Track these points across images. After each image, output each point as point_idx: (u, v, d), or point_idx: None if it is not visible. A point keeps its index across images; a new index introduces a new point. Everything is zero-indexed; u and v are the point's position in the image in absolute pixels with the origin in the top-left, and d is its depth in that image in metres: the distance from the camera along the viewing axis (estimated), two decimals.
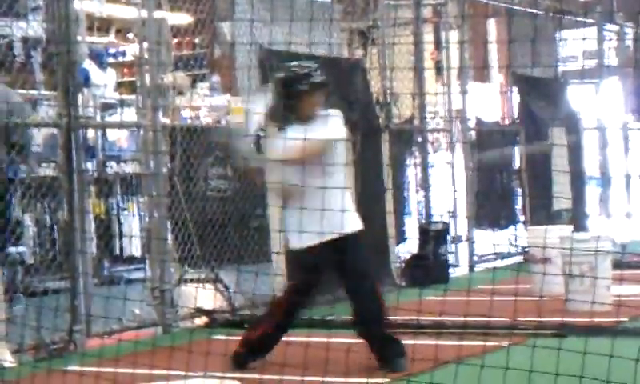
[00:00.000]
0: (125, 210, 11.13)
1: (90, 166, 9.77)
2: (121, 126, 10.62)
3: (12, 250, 8.59)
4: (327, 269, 6.36)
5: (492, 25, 18.27)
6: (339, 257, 6.22)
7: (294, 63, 6.64)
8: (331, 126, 6.28)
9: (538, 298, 7.17)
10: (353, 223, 6.30)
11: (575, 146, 13.63)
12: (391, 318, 6.56)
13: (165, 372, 5.86)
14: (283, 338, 6.42)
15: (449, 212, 11.69)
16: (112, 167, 11.09)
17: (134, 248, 10.99)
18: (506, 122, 13.80)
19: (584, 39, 15.03)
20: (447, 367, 5.71)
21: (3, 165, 8.37)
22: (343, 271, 6.29)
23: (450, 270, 10.94)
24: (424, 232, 10.87)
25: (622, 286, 7.25)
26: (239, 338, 6.63)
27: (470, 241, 11.73)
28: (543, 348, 5.32)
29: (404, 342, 6.28)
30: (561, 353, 4.95)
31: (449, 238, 11.15)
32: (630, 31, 15.62)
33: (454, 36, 12.48)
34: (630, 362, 4.74)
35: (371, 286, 6.31)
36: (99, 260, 10.51)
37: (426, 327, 7.04)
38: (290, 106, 6.29)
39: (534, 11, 13.02)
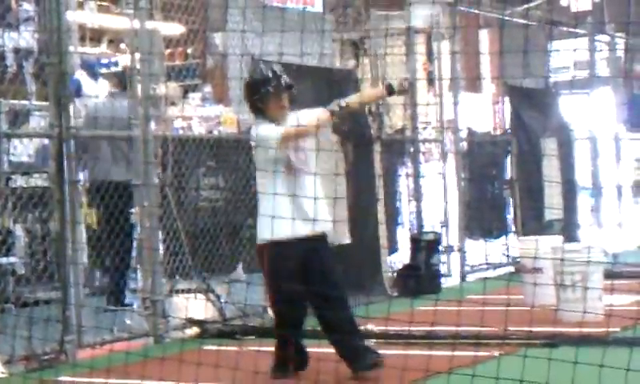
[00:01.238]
0: None
1: (81, 176, 9.77)
2: (112, 136, 10.60)
3: (3, 260, 8.58)
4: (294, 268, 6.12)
5: (484, 35, 18.30)
6: (308, 255, 6.11)
7: (260, 66, 6.64)
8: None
9: (529, 308, 7.16)
10: (327, 224, 6.24)
11: (567, 157, 13.66)
12: (383, 328, 6.56)
13: (156, 382, 5.86)
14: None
15: (440, 222, 11.70)
16: None
17: None
18: (498, 132, 13.83)
19: (575, 50, 15.07)
20: (439, 377, 5.72)
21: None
22: (311, 275, 6.12)
23: (442, 280, 10.95)
24: (416, 242, 10.87)
25: (614, 296, 7.26)
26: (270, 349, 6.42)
27: (462, 251, 11.75)
28: (534, 358, 5.33)
29: (395, 352, 6.28)
30: (552, 363, 4.97)
31: (440, 248, 11.15)
32: (621, 42, 15.65)
33: (445, 47, 12.49)
34: (620, 371, 4.76)
35: (340, 293, 6.21)
36: (91, 270, 10.49)
37: (418, 337, 7.05)
38: (258, 108, 6.30)
39: (526, 22, 13.05)
